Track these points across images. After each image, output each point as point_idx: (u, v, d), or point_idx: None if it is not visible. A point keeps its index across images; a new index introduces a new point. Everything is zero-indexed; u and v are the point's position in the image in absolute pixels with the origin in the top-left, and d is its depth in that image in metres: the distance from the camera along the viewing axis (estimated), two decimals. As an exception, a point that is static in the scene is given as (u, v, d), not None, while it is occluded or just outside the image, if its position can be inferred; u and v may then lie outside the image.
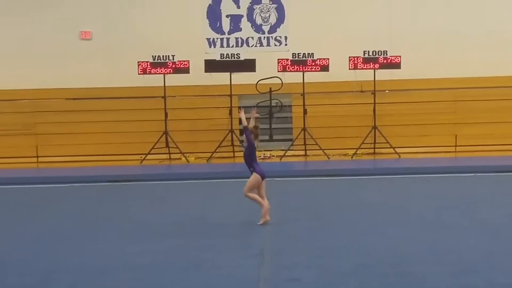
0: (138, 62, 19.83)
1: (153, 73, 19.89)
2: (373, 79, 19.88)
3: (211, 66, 19.89)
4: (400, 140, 20.24)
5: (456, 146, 20.71)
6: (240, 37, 21.28)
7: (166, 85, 19.99)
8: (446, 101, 20.91)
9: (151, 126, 20.64)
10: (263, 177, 11.52)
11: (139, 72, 19.88)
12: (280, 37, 21.22)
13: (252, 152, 11.53)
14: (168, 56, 19.82)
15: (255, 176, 11.50)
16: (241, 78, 20.03)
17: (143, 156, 19.89)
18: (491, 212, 12.12)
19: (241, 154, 20.12)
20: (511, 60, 20.59)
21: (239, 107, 11.41)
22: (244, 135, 11.62)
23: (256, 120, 11.68)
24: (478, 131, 20.65)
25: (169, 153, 20.24)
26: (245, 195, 11.56)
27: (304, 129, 20.00)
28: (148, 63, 19.83)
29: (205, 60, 19.95)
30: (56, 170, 19.12)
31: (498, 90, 20.77)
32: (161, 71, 19.86)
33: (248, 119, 11.55)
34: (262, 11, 21.21)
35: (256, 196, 11.50)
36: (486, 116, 20.68)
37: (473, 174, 16.68)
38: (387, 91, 20.72)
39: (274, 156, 20.34)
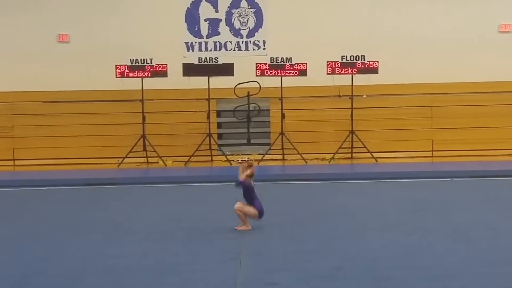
0: (116, 65, 19.77)
1: (131, 77, 19.83)
2: (350, 84, 19.94)
3: (189, 70, 19.86)
4: (377, 145, 20.32)
5: (433, 151, 20.83)
6: (219, 41, 21.28)
7: (144, 88, 19.94)
8: (423, 106, 21.02)
9: (129, 129, 20.57)
10: (261, 215, 11.44)
11: (117, 75, 19.82)
12: (259, 41, 21.24)
13: (250, 192, 11.45)
14: (146, 59, 19.79)
15: (254, 211, 11.42)
16: (219, 82, 20.02)
17: (121, 159, 19.83)
18: (467, 217, 12.20)
19: (219, 158, 20.24)
20: (487, 66, 20.72)
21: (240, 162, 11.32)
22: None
23: (249, 167, 11.56)
24: (454, 136, 20.79)
25: (147, 157, 20.19)
26: (236, 211, 11.46)
27: (282, 133, 20.02)
28: (126, 66, 19.78)
29: (183, 64, 19.92)
30: (33, 173, 19.02)
31: (474, 95, 20.91)
32: (139, 74, 19.82)
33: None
34: (240, 16, 21.22)
35: (243, 216, 11.42)
36: (463, 121, 20.82)
37: (449, 179, 16.77)
38: (364, 96, 20.79)
39: (252, 160, 20.30)
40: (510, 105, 20.80)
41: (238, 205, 11.46)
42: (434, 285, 8.22)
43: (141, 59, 19.79)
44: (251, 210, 11.42)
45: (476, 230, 11.15)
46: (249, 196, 11.46)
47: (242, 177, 11.46)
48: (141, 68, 19.81)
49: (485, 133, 20.73)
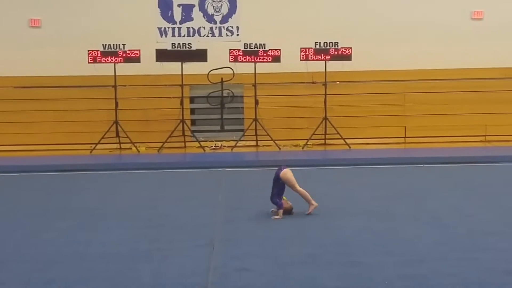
0: (88, 50, 19.63)
1: (103, 62, 19.70)
2: (324, 70, 19.97)
3: (162, 55, 19.77)
4: (350, 131, 20.37)
5: (405, 137, 20.92)
6: (192, 27, 21.19)
7: (116, 74, 19.83)
8: (395, 93, 21.09)
9: (101, 115, 20.46)
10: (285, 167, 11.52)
11: (89, 61, 19.68)
12: (232, 27, 21.18)
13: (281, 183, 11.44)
14: (119, 45, 19.65)
15: (285, 173, 11.43)
16: (192, 68, 19.94)
17: (93, 145, 19.74)
18: (438, 203, 12.29)
19: (193, 144, 20.21)
20: (459, 53, 20.82)
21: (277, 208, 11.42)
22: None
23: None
24: (426, 123, 20.89)
25: (120, 143, 20.10)
26: (298, 191, 11.43)
27: (255, 119, 20.02)
28: (99, 52, 19.64)
29: (156, 50, 19.82)
30: (4, 159, 18.88)
31: (446, 82, 21.01)
32: (112, 60, 19.69)
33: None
34: (214, 1, 21.14)
35: (306, 193, 11.42)
36: (435, 108, 20.92)
37: (421, 165, 16.87)
38: (338, 82, 20.82)
39: (225, 146, 20.32)
40: (482, 91, 20.92)
41: (293, 188, 11.43)
42: (405, 270, 8.29)
43: (113, 45, 19.65)
44: (286, 175, 11.38)
45: (447, 216, 11.25)
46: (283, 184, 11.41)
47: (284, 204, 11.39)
48: (114, 54, 19.69)
49: (457, 120, 20.85)
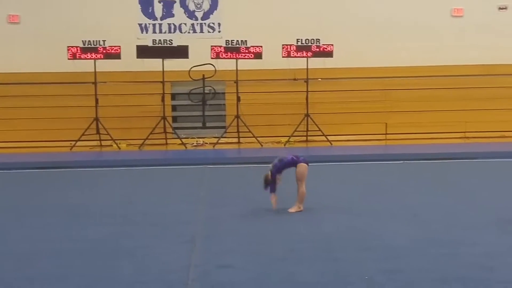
0: (68, 47, 19.54)
1: (83, 58, 19.62)
2: (306, 67, 19.99)
3: (143, 52, 19.70)
4: (332, 128, 20.42)
5: (386, 134, 20.98)
6: (173, 23, 21.13)
7: (96, 70, 19.75)
8: (376, 90, 21.15)
9: (82, 112, 20.36)
10: (307, 164, 11.51)
11: (69, 57, 19.59)
12: (214, 23, 21.14)
13: (287, 163, 11.52)
14: (99, 41, 19.58)
15: (301, 166, 11.45)
16: (174, 64, 19.90)
17: (73, 142, 19.65)
18: (418, 199, 12.35)
19: (174, 141, 20.18)
20: (440, 50, 20.91)
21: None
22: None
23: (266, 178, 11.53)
24: (407, 120, 20.96)
25: (100, 140, 20.03)
26: (301, 188, 11.45)
27: (237, 116, 20.01)
28: (78, 48, 19.56)
29: (137, 46, 19.76)
30: (-16, 157, 18.78)
31: (427, 79, 21.09)
32: (92, 56, 19.61)
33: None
34: (195, -2, 21.12)
35: (304, 195, 11.42)
36: (415, 104, 20.98)
37: (402, 162, 16.93)
38: (319, 79, 20.84)
39: (207, 143, 20.31)
40: (462, 88, 21.02)
41: (299, 183, 11.44)
42: (385, 265, 8.32)
43: (93, 41, 19.58)
44: (299, 171, 11.43)
45: (427, 211, 11.30)
46: (289, 165, 11.47)
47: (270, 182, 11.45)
48: (94, 50, 19.61)
49: (437, 117, 20.94)
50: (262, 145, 19.60)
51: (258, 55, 19.76)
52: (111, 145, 19.90)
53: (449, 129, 20.87)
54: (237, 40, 19.71)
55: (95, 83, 19.85)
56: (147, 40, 20.09)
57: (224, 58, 19.77)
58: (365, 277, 7.91)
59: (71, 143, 19.71)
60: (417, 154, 17.73)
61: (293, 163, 11.46)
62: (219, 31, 21.07)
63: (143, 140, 19.73)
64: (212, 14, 21.09)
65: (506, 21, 21.11)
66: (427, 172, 15.60)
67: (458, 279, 7.81)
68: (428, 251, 8.94)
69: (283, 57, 19.88)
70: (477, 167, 16.48)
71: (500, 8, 21.28)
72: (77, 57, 19.59)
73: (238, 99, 20.05)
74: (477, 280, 7.81)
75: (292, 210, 11.36)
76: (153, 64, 19.75)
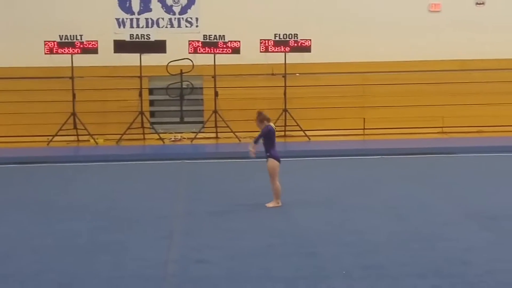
0: (45, 41, 19.40)
1: (60, 53, 19.48)
2: (284, 62, 19.98)
3: (120, 46, 19.60)
4: (310, 123, 20.42)
5: (364, 129, 21.01)
6: (150, 18, 21.04)
7: (74, 65, 19.64)
8: (354, 84, 21.17)
9: (59, 107, 20.22)
10: (279, 161, 11.47)
11: (46, 52, 19.45)
12: (191, 18, 21.07)
13: (271, 136, 11.48)
14: (76, 36, 19.45)
15: (272, 162, 11.41)
16: (151, 59, 19.83)
17: (50, 137, 19.54)
18: (396, 193, 12.41)
19: (152, 136, 20.11)
20: (417, 45, 20.95)
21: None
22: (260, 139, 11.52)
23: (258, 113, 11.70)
24: (385, 115, 21.00)
25: (77, 135, 19.92)
26: (274, 184, 11.41)
27: (215, 111, 19.97)
28: (55, 43, 19.42)
29: (115, 41, 19.66)
30: (-40, 152, 18.63)
31: (404, 74, 21.13)
32: (69, 51, 19.48)
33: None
34: (173, -8, 21.04)
35: (279, 191, 11.40)
36: (393, 100, 21.03)
37: (379, 157, 16.97)
38: (297, 74, 20.85)
39: (185, 138, 20.27)
40: (439, 83, 21.10)
41: (271, 180, 11.43)
42: (362, 260, 8.35)
43: (70, 36, 19.44)
44: (270, 166, 11.45)
45: (404, 206, 11.36)
46: (270, 141, 11.49)
47: (260, 128, 11.52)
48: (71, 45, 19.48)
49: (415, 112, 20.99)
50: (240, 140, 19.58)
51: (236, 50, 19.73)
52: (89, 140, 19.79)
53: (426, 124, 20.93)
54: (215, 35, 19.67)
55: (72, 78, 19.73)
56: (125, 34, 19.99)
57: (202, 53, 19.72)
58: (342, 272, 7.93)
59: (48, 138, 19.59)
60: (395, 149, 17.76)
61: (270, 131, 11.50)
62: (197, 26, 21.01)
63: (120, 135, 19.66)
64: (189, 8, 21.02)
65: (483, 17, 21.20)
66: (405, 167, 15.66)
67: (436, 273, 7.86)
68: (406, 246, 8.98)
69: (261, 52, 19.86)
70: (454, 162, 16.56)
71: (477, 4, 21.38)
72: (54, 52, 19.46)
73: (216, 94, 20.01)
74: (455, 274, 7.85)
75: (269, 204, 11.36)
76: (131, 59, 19.67)
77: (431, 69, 21.13)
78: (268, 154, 11.45)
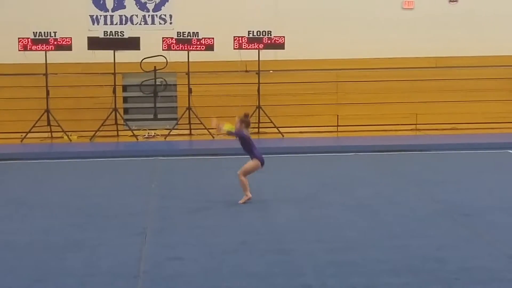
0: (19, 38, 19.27)
1: (34, 50, 19.36)
2: (257, 59, 19.99)
3: (94, 43, 19.51)
4: (283, 120, 20.44)
5: (337, 126, 21.07)
6: (124, 15, 20.96)
7: (47, 62, 19.52)
8: (328, 82, 21.22)
9: (32, 104, 20.10)
10: (262, 163, 11.47)
11: (20, 49, 19.32)
12: (165, 15, 21.02)
13: (248, 142, 11.44)
14: (50, 32, 19.33)
15: (255, 162, 11.41)
16: (125, 56, 19.75)
17: (24, 134, 19.42)
18: (370, 191, 12.44)
19: (125, 133, 20.04)
20: (391, 42, 21.04)
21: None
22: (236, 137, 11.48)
23: (245, 117, 11.59)
24: (359, 112, 21.07)
25: (51, 132, 19.81)
26: (240, 177, 11.39)
27: (189, 108, 19.94)
28: (29, 40, 19.29)
29: (88, 38, 19.55)
30: None
31: (378, 71, 21.22)
32: (43, 47, 19.36)
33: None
34: (147, -11, 20.97)
35: (246, 183, 11.38)
36: (367, 97, 21.11)
37: (353, 154, 17.03)
38: (271, 71, 20.86)
39: (158, 135, 20.20)
40: (413, 81, 21.20)
41: (239, 171, 11.42)
42: (336, 257, 8.38)
43: (44, 32, 19.32)
44: (251, 164, 11.41)
45: (378, 203, 11.40)
46: (248, 147, 11.44)
47: (237, 127, 11.41)
48: (45, 41, 19.36)
49: (389, 109, 21.08)
50: (213, 137, 19.56)
51: (209, 47, 19.70)
52: (62, 137, 19.70)
53: (400, 121, 21.03)
54: (189, 32, 19.62)
55: (46, 74, 19.62)
56: (99, 31, 19.88)
57: (176, 50, 19.67)
58: (316, 268, 7.95)
59: (21, 135, 19.47)
60: (369, 146, 17.85)
61: (244, 138, 11.44)
62: (171, 23, 20.96)
63: (94, 132, 19.57)
64: (163, 5, 20.96)
65: (456, 14, 21.32)
66: (379, 164, 15.72)
67: (410, 270, 7.90)
68: (380, 243, 9.02)
69: (234, 49, 19.85)
70: (428, 158, 16.64)
71: (450, 1, 21.51)
72: (28, 49, 19.33)
73: (190, 90, 19.98)
74: (429, 271, 7.90)
75: (242, 201, 11.37)
76: (105, 56, 19.58)
77: (405, 66, 21.23)
78: (252, 156, 11.43)
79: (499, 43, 21.05)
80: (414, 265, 8.08)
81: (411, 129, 20.99)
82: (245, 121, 11.54)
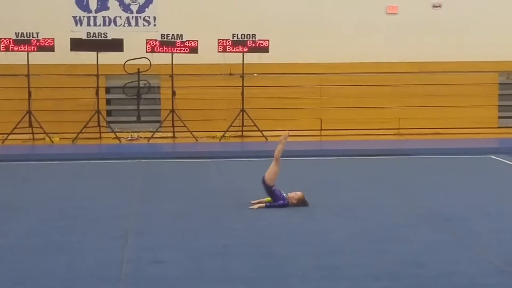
0: (0, 38, 19.16)
1: (16, 51, 19.25)
2: (241, 62, 19.98)
3: (77, 44, 19.43)
4: (267, 123, 20.41)
5: (321, 130, 21.08)
6: (108, 16, 20.89)
7: (30, 63, 19.42)
8: (312, 85, 21.21)
9: (14, 105, 19.98)
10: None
11: (1, 49, 19.20)
12: (149, 17, 20.97)
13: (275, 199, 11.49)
14: (32, 33, 19.24)
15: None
16: (108, 58, 19.66)
17: (5, 136, 19.30)
18: (352, 195, 12.46)
19: (108, 135, 19.97)
20: (374, 47, 21.07)
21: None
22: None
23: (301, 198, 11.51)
24: (342, 116, 21.08)
25: (33, 133, 19.71)
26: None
27: (172, 111, 19.89)
28: (11, 40, 19.18)
29: (71, 39, 19.46)
30: None
31: (361, 76, 21.24)
32: (25, 48, 19.26)
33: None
34: (130, -10, 20.92)
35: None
36: (350, 101, 21.12)
37: (336, 158, 17.05)
38: (255, 74, 20.85)
39: (141, 137, 20.14)
40: (396, 85, 21.22)
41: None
42: (319, 261, 8.38)
43: (27, 33, 19.22)
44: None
45: (361, 208, 11.41)
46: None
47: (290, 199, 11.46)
48: (27, 42, 19.27)
49: (371, 113, 21.10)
50: (197, 140, 19.54)
51: (193, 50, 19.67)
52: (44, 139, 19.60)
53: (383, 125, 21.06)
54: (173, 34, 19.58)
55: (28, 75, 19.51)
56: (82, 33, 19.80)
57: (159, 52, 19.63)
58: (298, 272, 7.95)
59: (3, 137, 19.35)
60: (352, 150, 17.86)
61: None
62: (155, 25, 20.91)
63: (76, 134, 19.48)
64: (147, 7, 20.90)
65: (440, 19, 21.38)
66: (362, 168, 15.74)
67: (390, 275, 7.91)
68: (361, 247, 9.03)
69: (219, 51, 19.81)
70: (410, 163, 16.68)
71: (434, 6, 21.58)
72: (10, 49, 19.21)
73: (174, 93, 19.93)
74: (409, 275, 7.92)
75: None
76: (88, 57, 19.49)
77: (388, 71, 21.27)
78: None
79: (482, 49, 21.10)
80: (395, 270, 8.10)
81: (393, 134, 21.02)
82: (303, 203, 11.48)
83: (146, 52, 19.62)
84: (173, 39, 19.55)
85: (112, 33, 19.76)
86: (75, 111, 20.13)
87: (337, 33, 21.06)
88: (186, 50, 19.63)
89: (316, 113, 21.18)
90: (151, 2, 20.83)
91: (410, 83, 21.29)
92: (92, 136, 19.77)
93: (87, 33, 19.43)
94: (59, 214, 10.96)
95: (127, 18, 20.84)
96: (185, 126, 19.65)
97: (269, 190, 11.38)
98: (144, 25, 20.88)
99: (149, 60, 19.86)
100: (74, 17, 20.70)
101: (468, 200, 12.10)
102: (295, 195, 11.44)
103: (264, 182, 11.42)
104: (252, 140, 19.95)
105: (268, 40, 19.78)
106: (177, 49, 19.59)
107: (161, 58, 19.74)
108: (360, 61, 21.01)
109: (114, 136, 19.69)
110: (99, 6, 20.74)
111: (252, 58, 20.05)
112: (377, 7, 21.42)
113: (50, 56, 19.42)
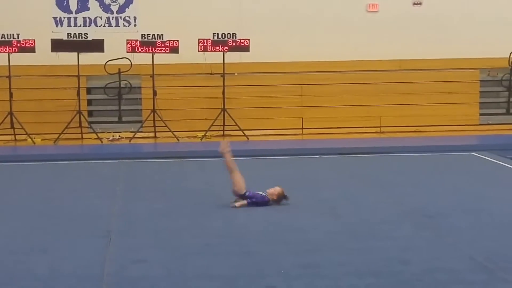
0: (-19, 40, 19.13)
1: (-4, 52, 19.25)
2: (222, 61, 19.98)
3: (58, 45, 19.37)
4: (248, 123, 20.44)
5: (302, 128, 21.13)
6: (88, 17, 20.84)
7: (10, 64, 19.35)
8: (293, 84, 21.24)
9: (-5, 106, 19.96)
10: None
11: (-18, 51, 19.19)
12: (129, 17, 20.93)
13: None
14: (13, 34, 19.17)
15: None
16: (89, 58, 19.62)
17: (-14, 137, 19.26)
18: (334, 193, 12.50)
19: (90, 135, 19.94)
20: (355, 45, 21.10)
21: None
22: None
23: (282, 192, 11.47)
24: (323, 114, 21.11)
25: (14, 134, 19.64)
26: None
27: (153, 110, 19.87)
28: (-8, 42, 19.17)
29: (52, 40, 19.41)
30: None
31: (342, 74, 21.30)
32: (5, 50, 19.19)
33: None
34: (110, -9, 20.88)
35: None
36: (331, 99, 21.16)
37: (318, 156, 17.08)
38: (236, 74, 20.87)
39: (123, 137, 20.11)
40: (377, 83, 21.30)
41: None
42: (300, 259, 8.41)
43: (7, 34, 19.15)
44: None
45: (343, 205, 11.45)
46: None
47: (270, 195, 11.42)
48: (8, 43, 19.19)
49: (353, 111, 21.15)
50: (178, 140, 19.54)
51: (174, 49, 19.66)
52: (26, 140, 19.54)
53: (364, 123, 21.12)
54: (153, 34, 19.56)
55: (9, 76, 19.44)
56: (62, 33, 19.74)
57: (140, 52, 19.60)
58: (281, 271, 7.97)
59: (-16, 138, 19.31)
60: (333, 149, 17.90)
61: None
62: (135, 25, 20.88)
63: (58, 135, 19.43)
64: (127, 7, 20.87)
65: (420, 16, 21.46)
66: (343, 166, 15.79)
67: (373, 273, 7.94)
68: (344, 245, 9.07)
69: (199, 51, 19.81)
70: (392, 161, 16.73)
71: (414, 4, 21.67)
72: (-10, 51, 19.17)
73: (155, 93, 19.91)
74: (392, 273, 7.95)
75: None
76: (68, 58, 19.43)
77: (369, 69, 21.34)
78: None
79: (463, 46, 21.18)
80: (378, 267, 8.13)
81: (375, 132, 21.10)
82: (283, 197, 11.46)
83: (127, 52, 19.59)
84: (153, 39, 19.53)
85: (93, 33, 19.73)
86: (56, 112, 20.08)
87: (318, 31, 21.10)
88: (167, 50, 19.62)
89: (297, 111, 21.22)
90: (131, 3, 20.81)
91: (391, 81, 21.36)
92: (73, 136, 19.73)
93: (68, 33, 19.38)
94: (41, 214, 10.95)
95: (108, 18, 20.81)
96: (166, 126, 19.64)
97: (244, 196, 11.36)
98: (124, 25, 20.86)
99: (130, 61, 19.84)
100: (55, 18, 20.64)
101: (450, 197, 12.15)
102: (274, 190, 11.45)
103: (235, 193, 11.40)
104: (233, 139, 19.85)
105: (248, 40, 19.79)
106: (157, 49, 19.57)
107: (142, 58, 19.72)
108: (341, 59, 21.06)
109: (96, 136, 19.66)
110: (79, 6, 20.70)
111: (233, 57, 20.07)
112: (358, 5, 21.49)
113: (31, 57, 19.36)
